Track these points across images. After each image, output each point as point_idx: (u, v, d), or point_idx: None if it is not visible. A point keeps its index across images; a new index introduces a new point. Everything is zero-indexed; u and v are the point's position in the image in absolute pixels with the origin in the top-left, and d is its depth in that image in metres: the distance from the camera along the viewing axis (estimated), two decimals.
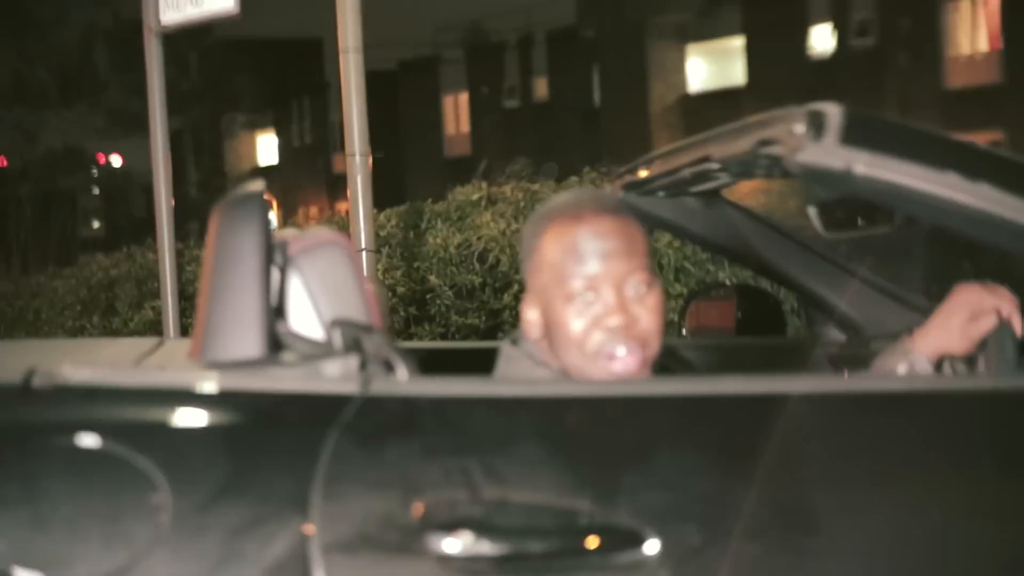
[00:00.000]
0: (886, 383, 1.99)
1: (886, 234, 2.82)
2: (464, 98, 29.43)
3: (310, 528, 1.81)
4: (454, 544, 1.81)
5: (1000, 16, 20.16)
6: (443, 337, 6.95)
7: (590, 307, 2.10)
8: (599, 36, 25.88)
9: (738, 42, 24.44)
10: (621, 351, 2.08)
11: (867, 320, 3.09)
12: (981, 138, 19.56)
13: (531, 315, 2.17)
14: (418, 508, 1.84)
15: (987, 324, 2.24)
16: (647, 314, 2.10)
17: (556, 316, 2.11)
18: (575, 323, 2.09)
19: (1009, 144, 19.27)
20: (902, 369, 2.25)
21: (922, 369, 2.25)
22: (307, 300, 2.14)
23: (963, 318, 2.21)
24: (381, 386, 1.94)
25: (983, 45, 20.83)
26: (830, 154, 2.02)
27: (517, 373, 2.15)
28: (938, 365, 2.25)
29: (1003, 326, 2.17)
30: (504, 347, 2.22)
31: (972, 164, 2.02)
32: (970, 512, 1.88)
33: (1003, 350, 2.12)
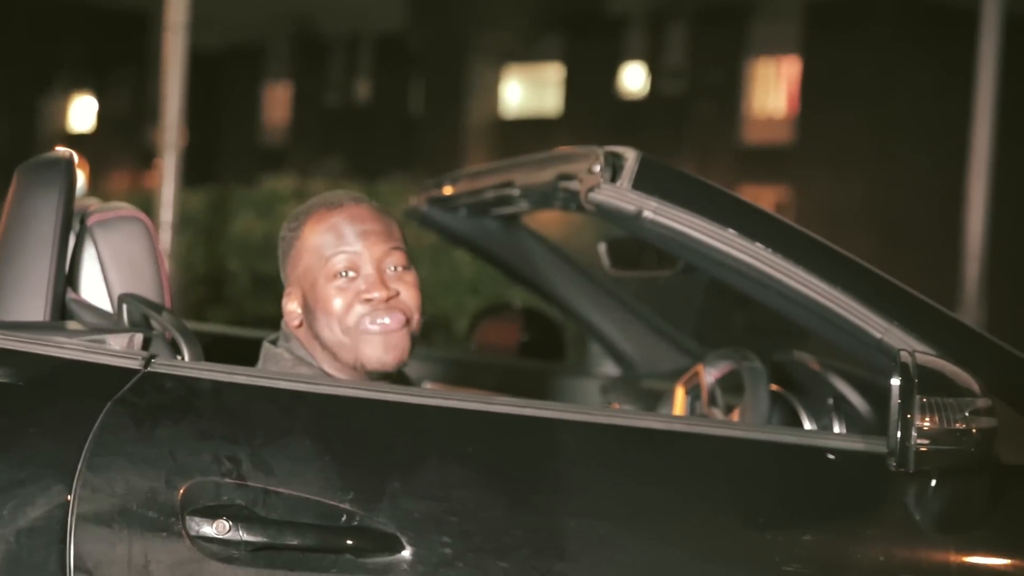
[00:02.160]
0: (648, 420, 2.07)
1: (668, 278, 2.94)
2: (286, 90, 29.11)
3: (70, 496, 1.82)
4: (212, 528, 1.85)
5: (799, 82, 20.98)
6: (236, 323, 6.90)
7: (352, 283, 2.16)
8: (425, 47, 25.92)
9: (556, 72, 24.77)
10: (382, 320, 2.15)
11: (641, 358, 3.20)
12: (770, 193, 20.25)
13: (291, 306, 2.21)
14: (182, 489, 1.86)
15: None
16: (406, 288, 2.18)
17: (319, 295, 2.16)
18: (337, 300, 2.15)
19: (795, 201, 20.00)
20: None
21: None
22: (99, 272, 2.15)
23: None
24: (163, 365, 1.96)
25: (781, 106, 21.62)
26: (622, 196, 2.12)
27: (278, 369, 2.18)
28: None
29: (762, 379, 2.29)
30: (264, 345, 2.25)
31: (751, 224, 2.13)
32: (709, 556, 1.96)
33: (758, 401, 2.24)
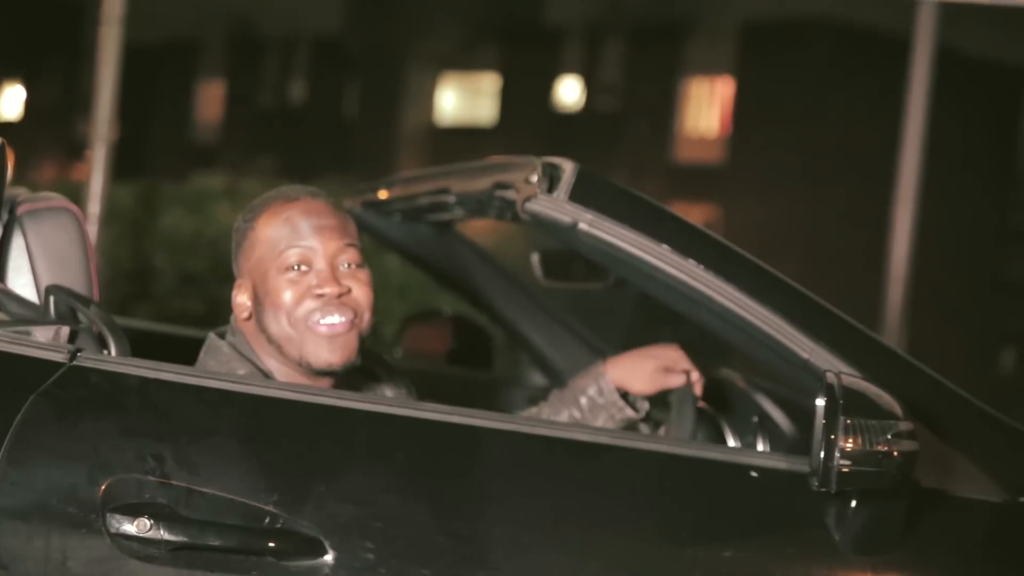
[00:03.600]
0: (574, 432, 2.09)
1: (599, 290, 2.96)
2: (221, 87, 28.89)
3: None
4: (132, 526, 1.83)
5: (733, 103, 21.21)
6: (162, 320, 6.84)
7: (304, 277, 2.14)
8: (362, 51, 25.84)
9: (492, 82, 24.81)
10: (332, 319, 2.13)
11: (568, 368, 3.21)
12: (700, 211, 20.44)
13: (241, 298, 2.19)
14: (103, 486, 1.84)
15: (674, 381, 2.43)
16: (358, 286, 2.16)
17: (269, 287, 2.14)
18: (287, 293, 2.13)
19: (724, 220, 20.19)
20: (591, 390, 2.45)
21: (608, 392, 2.46)
22: (27, 262, 2.12)
23: (656, 366, 2.42)
24: (89, 359, 1.94)
25: (713, 126, 21.85)
26: (558, 208, 2.12)
27: (218, 365, 2.16)
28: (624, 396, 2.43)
29: (688, 395, 2.31)
30: (210, 337, 2.23)
31: (685, 240, 2.15)
32: (630, 568, 1.98)
33: (684, 417, 2.26)
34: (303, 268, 2.14)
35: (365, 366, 2.24)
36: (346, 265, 2.17)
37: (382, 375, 2.34)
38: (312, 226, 2.15)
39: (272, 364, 2.17)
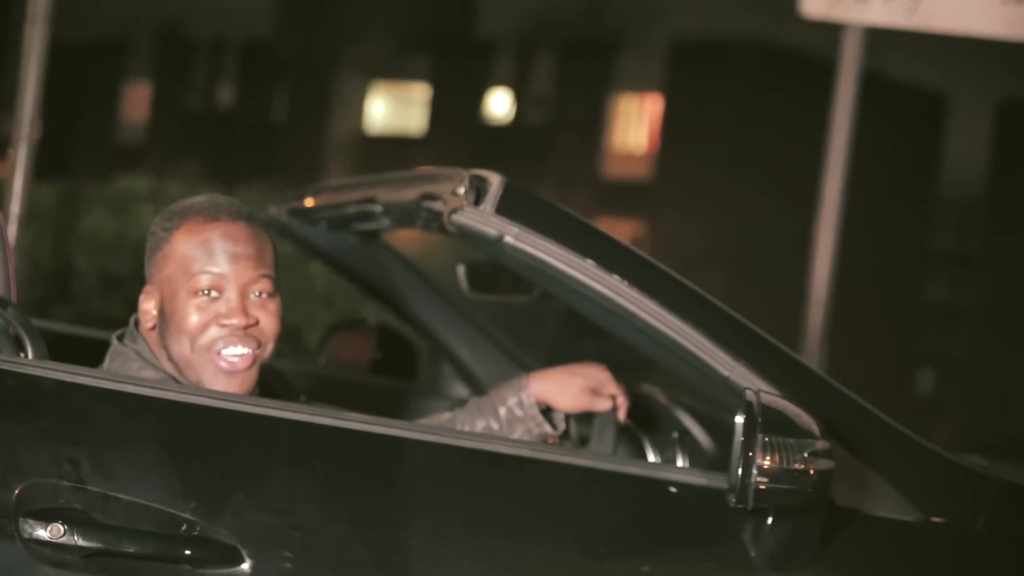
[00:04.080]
0: (495, 444, 2.09)
1: (524, 304, 2.96)
2: (147, 89, 28.61)
3: None
4: (46, 532, 1.81)
5: (661, 120, 21.39)
6: (81, 322, 6.76)
7: (212, 304, 2.13)
8: (292, 56, 25.73)
9: (422, 92, 24.80)
10: (236, 350, 2.11)
11: (491, 380, 3.21)
12: (626, 226, 20.56)
13: (148, 305, 2.17)
14: (17, 490, 1.82)
15: (600, 405, 2.42)
16: (267, 317, 2.15)
17: (176, 307, 2.12)
18: (194, 317, 2.11)
19: (650, 235, 20.34)
20: (512, 401, 2.43)
21: (528, 405, 2.43)
22: None
23: (583, 386, 2.40)
24: (5, 361, 1.91)
25: (642, 143, 22.00)
26: (485, 220, 2.13)
27: (124, 370, 2.14)
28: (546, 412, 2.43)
29: (611, 419, 2.32)
30: (113, 342, 2.20)
31: (610, 256, 2.16)
32: None
33: (606, 437, 2.27)
34: (213, 294, 2.13)
35: (262, 379, 2.22)
36: (257, 294, 2.15)
37: (279, 391, 2.33)
38: (228, 253, 2.13)
39: (173, 372, 2.15)
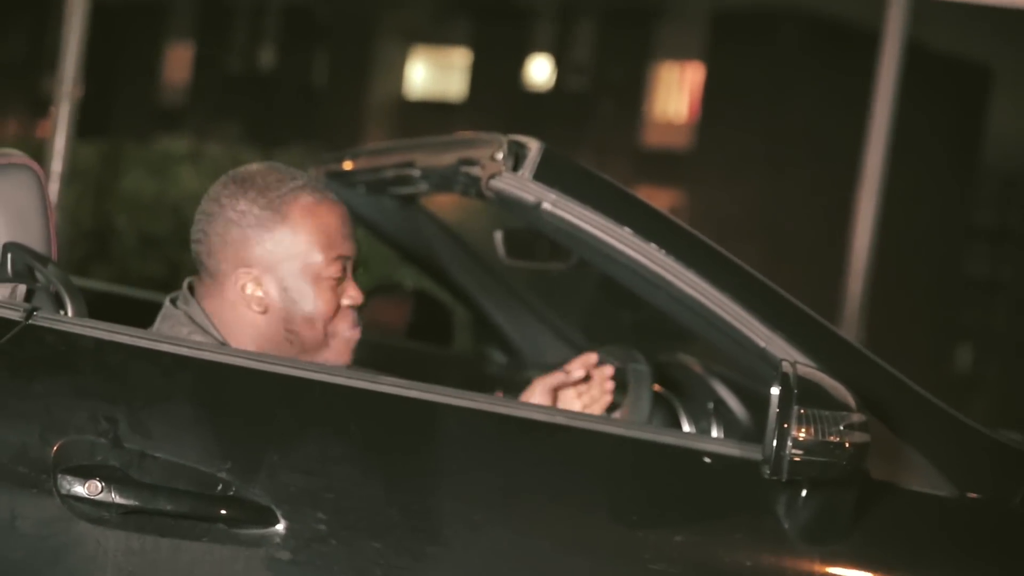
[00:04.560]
0: (530, 411, 2.09)
1: (561, 271, 2.96)
2: (189, 50, 28.66)
3: None
4: (83, 488, 1.82)
5: (701, 88, 21.24)
6: (120, 282, 6.81)
7: (340, 286, 2.18)
8: (333, 20, 25.70)
9: (462, 57, 24.74)
10: (357, 327, 2.20)
11: (528, 347, 3.22)
12: (664, 195, 20.48)
13: (259, 292, 2.16)
14: (55, 447, 1.83)
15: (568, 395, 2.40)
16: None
17: (306, 291, 2.16)
18: (329, 302, 2.16)
19: (688, 204, 20.25)
20: None
21: None
22: None
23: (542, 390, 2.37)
24: (45, 318, 1.92)
25: (681, 111, 21.88)
26: (523, 186, 2.12)
27: (174, 333, 2.14)
28: None
29: (645, 379, 2.31)
30: (165, 304, 2.21)
31: (648, 224, 2.15)
32: (579, 548, 1.98)
33: (640, 401, 2.27)
34: (341, 277, 2.18)
35: None
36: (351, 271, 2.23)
37: None
38: (346, 235, 2.19)
39: (236, 343, 2.16)
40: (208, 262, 2.17)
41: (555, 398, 2.39)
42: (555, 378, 2.38)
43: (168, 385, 1.93)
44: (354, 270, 2.22)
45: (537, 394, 2.37)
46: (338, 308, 2.18)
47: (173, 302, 2.20)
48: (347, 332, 2.18)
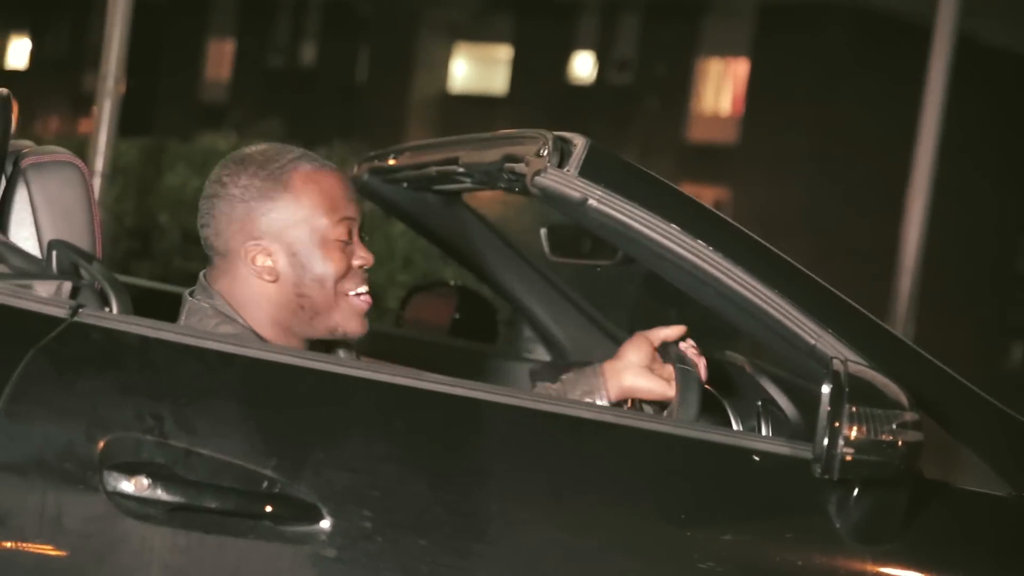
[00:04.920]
0: (577, 409, 2.07)
1: (606, 267, 2.94)
2: (230, 46, 28.80)
3: None
4: (130, 485, 1.82)
5: (746, 83, 21.13)
6: (162, 279, 6.84)
7: (347, 248, 2.17)
8: (375, 16, 25.75)
9: (505, 52, 24.73)
10: (364, 288, 2.19)
11: (572, 345, 3.20)
12: (709, 191, 20.40)
13: (268, 262, 2.16)
14: (101, 443, 1.83)
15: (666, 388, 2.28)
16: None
17: (313, 256, 2.15)
18: (337, 264, 2.16)
19: (734, 200, 20.17)
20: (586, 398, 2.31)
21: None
22: (30, 216, 2.11)
23: (642, 367, 2.26)
24: (90, 315, 1.92)
25: (726, 107, 21.76)
26: (568, 183, 2.10)
27: (203, 326, 2.14)
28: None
29: (693, 378, 2.27)
30: (186, 299, 2.20)
31: (695, 221, 2.13)
32: (626, 547, 1.97)
33: (688, 400, 2.24)
34: (347, 240, 2.18)
35: None
36: (359, 235, 2.22)
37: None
38: (349, 196, 2.19)
39: (265, 329, 2.15)
40: (217, 243, 2.17)
41: (654, 356, 2.28)
42: (661, 332, 2.29)
43: (213, 382, 1.92)
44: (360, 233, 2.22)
45: (633, 347, 2.28)
46: (348, 269, 2.17)
47: (192, 294, 2.20)
48: (354, 295, 2.17)
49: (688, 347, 2.28)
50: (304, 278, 2.16)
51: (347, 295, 2.17)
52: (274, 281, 2.16)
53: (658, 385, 2.26)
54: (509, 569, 1.91)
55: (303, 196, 2.15)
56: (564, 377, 2.31)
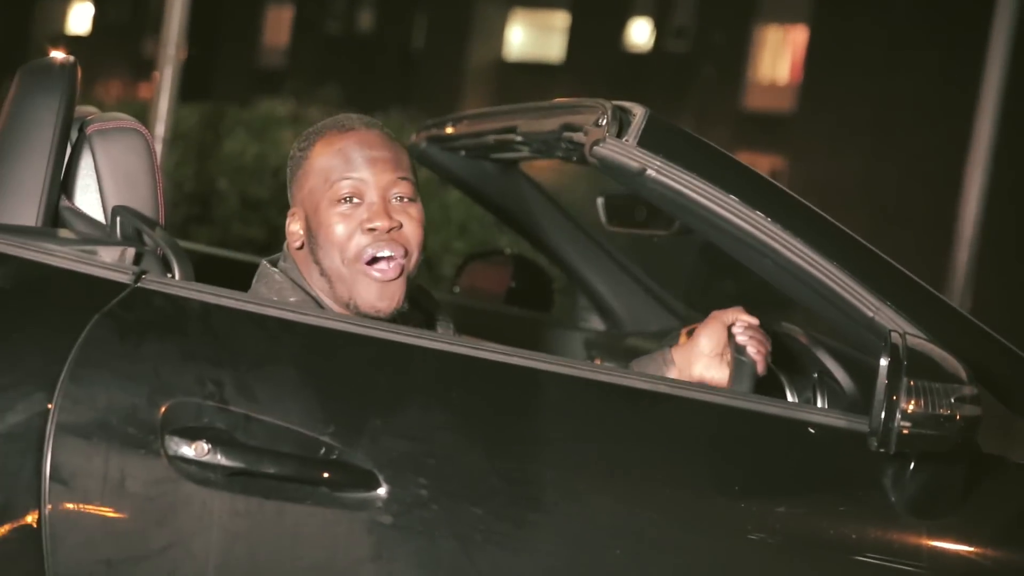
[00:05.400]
0: (633, 379, 2.07)
1: (662, 238, 2.93)
2: (288, 12, 28.86)
3: (51, 406, 1.82)
4: (190, 449, 1.84)
5: (805, 52, 20.89)
6: (221, 244, 6.89)
7: (355, 210, 2.12)
8: None
9: (562, 19, 24.60)
10: (383, 253, 2.11)
11: (628, 315, 3.20)
12: (766, 160, 20.23)
13: (294, 227, 2.18)
14: (163, 408, 1.85)
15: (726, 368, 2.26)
16: (409, 221, 2.13)
17: (321, 220, 2.13)
18: (339, 226, 2.11)
19: (792, 170, 19.99)
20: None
21: None
22: (95, 182, 2.13)
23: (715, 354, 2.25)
24: (153, 281, 1.95)
25: (785, 75, 21.54)
26: (627, 153, 2.10)
27: (269, 292, 2.15)
28: None
29: (748, 366, 2.26)
30: (262, 264, 2.22)
31: (754, 192, 2.12)
32: (681, 518, 1.97)
33: (744, 374, 2.23)
34: (355, 201, 2.12)
35: (411, 297, 2.20)
36: (398, 198, 2.14)
37: (429, 308, 2.33)
38: (365, 157, 2.13)
39: (323, 296, 2.16)
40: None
41: (727, 342, 2.26)
42: (733, 315, 2.27)
43: (273, 349, 1.94)
44: (410, 198, 2.13)
45: (707, 333, 2.26)
46: (354, 234, 2.10)
47: (274, 263, 2.22)
48: (367, 261, 2.09)
49: (755, 334, 2.27)
50: (315, 245, 2.14)
51: (358, 263, 2.10)
52: (300, 248, 2.18)
53: (728, 377, 2.26)
54: (564, 538, 1.92)
55: (316, 160, 2.15)
56: (633, 363, 2.31)
